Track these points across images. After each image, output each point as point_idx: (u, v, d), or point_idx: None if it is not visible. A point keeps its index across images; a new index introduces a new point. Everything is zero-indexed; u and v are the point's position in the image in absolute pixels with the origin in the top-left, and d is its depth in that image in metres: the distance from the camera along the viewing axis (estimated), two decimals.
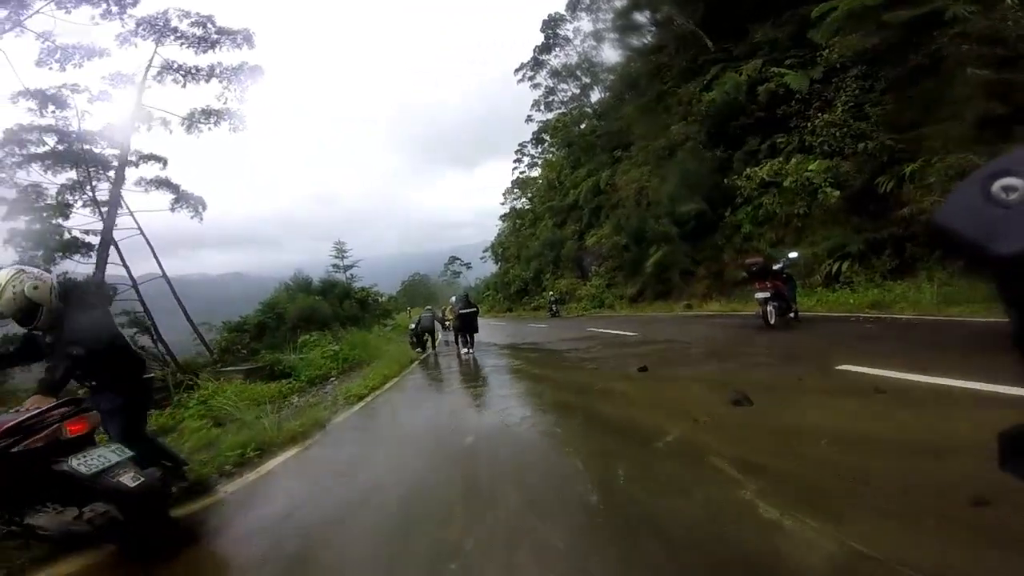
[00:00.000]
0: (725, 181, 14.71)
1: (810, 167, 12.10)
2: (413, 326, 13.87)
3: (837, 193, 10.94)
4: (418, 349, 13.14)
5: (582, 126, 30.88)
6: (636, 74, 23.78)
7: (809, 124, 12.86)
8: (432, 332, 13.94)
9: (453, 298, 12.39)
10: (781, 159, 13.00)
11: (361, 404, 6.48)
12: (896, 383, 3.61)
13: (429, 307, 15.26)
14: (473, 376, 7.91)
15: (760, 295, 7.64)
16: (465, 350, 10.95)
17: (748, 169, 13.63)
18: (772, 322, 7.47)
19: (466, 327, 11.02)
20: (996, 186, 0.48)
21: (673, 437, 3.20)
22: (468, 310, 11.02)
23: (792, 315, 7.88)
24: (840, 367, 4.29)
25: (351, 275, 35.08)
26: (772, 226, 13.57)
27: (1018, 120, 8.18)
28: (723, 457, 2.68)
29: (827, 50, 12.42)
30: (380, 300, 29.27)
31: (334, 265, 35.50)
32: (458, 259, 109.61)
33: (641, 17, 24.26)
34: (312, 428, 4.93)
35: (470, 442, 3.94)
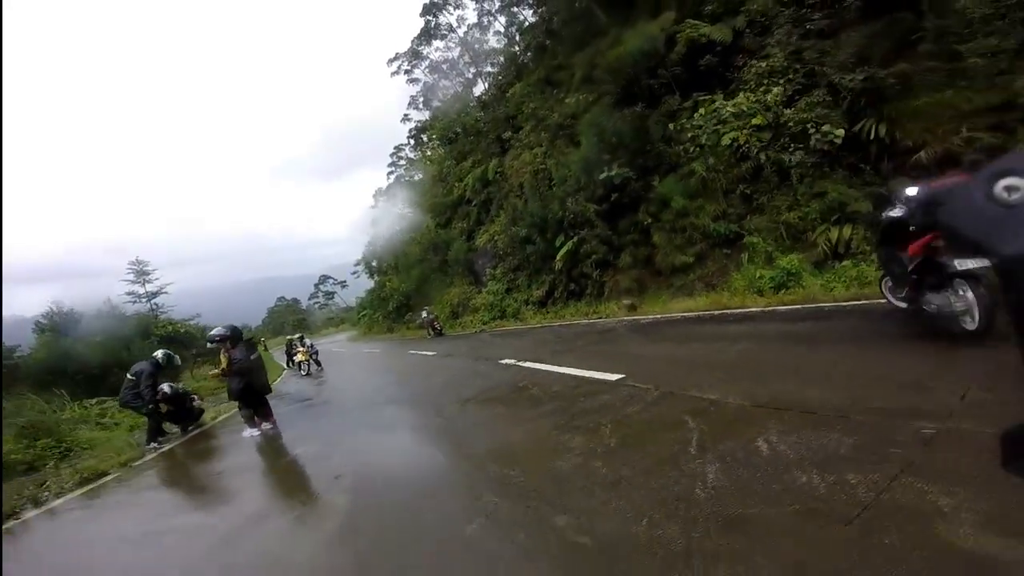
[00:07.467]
0: (650, 144, 11.99)
1: (755, 119, 9.73)
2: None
3: (840, 132, 8.19)
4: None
5: (465, 116, 27.21)
6: (524, 49, 20.90)
7: (742, 72, 10.70)
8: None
9: (217, 331, 6.35)
10: (726, 101, 10.39)
11: None
12: None
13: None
14: None
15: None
16: (255, 431, 6.33)
17: (702, 109, 10.70)
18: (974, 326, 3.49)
19: (250, 392, 6.32)
20: (999, 186, 0.48)
21: None
22: (249, 358, 6.25)
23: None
24: None
25: (157, 304, 26.10)
26: (708, 196, 11.05)
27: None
28: None
29: None
30: (197, 335, 21.60)
31: (130, 293, 26.06)
32: (330, 278, 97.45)
33: None
34: None
35: None
